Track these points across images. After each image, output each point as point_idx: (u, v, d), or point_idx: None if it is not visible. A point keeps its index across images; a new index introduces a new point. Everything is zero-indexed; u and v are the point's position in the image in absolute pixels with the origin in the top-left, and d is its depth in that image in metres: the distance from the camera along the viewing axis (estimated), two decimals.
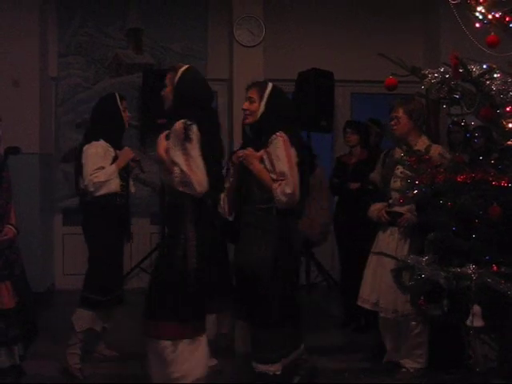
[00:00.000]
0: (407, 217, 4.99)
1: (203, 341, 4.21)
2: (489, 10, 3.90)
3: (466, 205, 3.74)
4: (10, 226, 4.59)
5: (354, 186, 6.40)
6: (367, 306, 5.23)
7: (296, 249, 4.68)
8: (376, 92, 8.08)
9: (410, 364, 5.16)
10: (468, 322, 3.67)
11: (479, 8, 3.92)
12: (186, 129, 4.08)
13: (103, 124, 5.37)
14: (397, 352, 5.26)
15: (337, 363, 5.55)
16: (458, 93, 3.85)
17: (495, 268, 3.62)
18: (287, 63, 8.38)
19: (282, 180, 4.43)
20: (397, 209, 5.05)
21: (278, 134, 4.50)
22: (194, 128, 4.09)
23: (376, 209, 5.21)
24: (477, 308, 3.62)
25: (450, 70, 3.83)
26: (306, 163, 4.80)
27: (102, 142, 5.25)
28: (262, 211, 4.55)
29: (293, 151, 4.51)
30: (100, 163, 5.18)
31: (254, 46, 8.45)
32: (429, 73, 3.94)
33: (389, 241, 5.13)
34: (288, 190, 4.41)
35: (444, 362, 5.16)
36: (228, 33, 8.61)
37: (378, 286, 5.14)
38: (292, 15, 8.69)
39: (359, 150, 6.72)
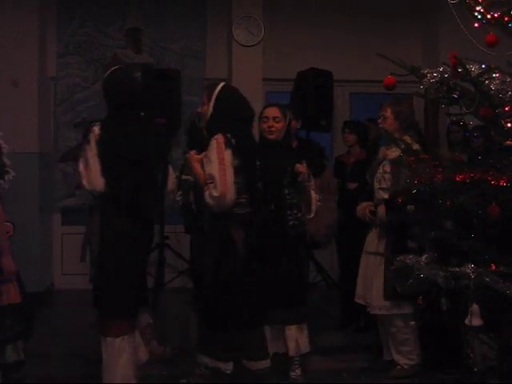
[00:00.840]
0: (379, 216, 5.18)
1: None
2: (487, 10, 3.90)
3: (465, 204, 3.74)
4: (8, 224, 4.47)
5: (352, 185, 6.41)
6: (361, 302, 5.35)
7: (241, 253, 4.45)
8: (375, 92, 8.07)
9: (402, 361, 5.21)
10: (466, 322, 3.68)
11: (478, 8, 3.93)
12: (227, 142, 4.34)
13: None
14: (390, 350, 5.31)
15: (336, 363, 5.56)
16: (457, 92, 3.85)
17: (494, 267, 3.63)
18: (286, 63, 8.37)
19: (210, 183, 4.34)
20: (377, 209, 5.22)
21: (215, 136, 4.42)
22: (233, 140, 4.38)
23: (362, 208, 5.36)
24: (475, 307, 3.62)
25: (449, 69, 3.84)
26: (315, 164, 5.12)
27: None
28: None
29: (228, 154, 4.37)
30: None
31: (253, 45, 8.45)
32: (428, 72, 3.94)
33: (373, 239, 5.28)
34: (215, 193, 4.29)
35: (442, 362, 5.16)
36: (227, 33, 8.61)
37: (366, 282, 5.28)
38: (291, 15, 8.68)
39: (358, 149, 6.73)
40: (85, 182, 4.17)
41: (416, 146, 4.99)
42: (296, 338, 5.01)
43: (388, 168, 5.17)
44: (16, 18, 7.81)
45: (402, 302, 4.98)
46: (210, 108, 4.59)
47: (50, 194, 8.35)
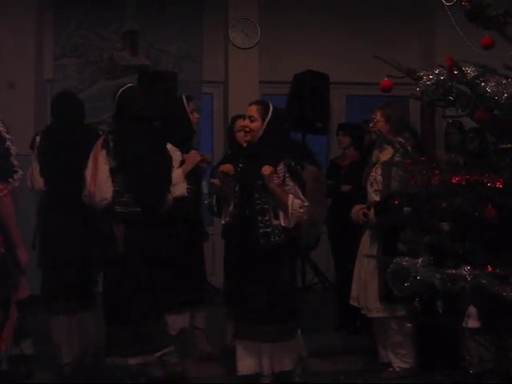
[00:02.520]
0: (370, 220, 5.16)
1: None
2: (483, 12, 3.90)
3: (461, 206, 3.75)
4: None
5: (346, 188, 6.42)
6: (356, 304, 5.32)
7: (121, 249, 4.58)
8: (371, 94, 8.08)
9: (397, 363, 5.19)
10: (463, 324, 3.68)
11: (474, 10, 3.92)
12: (103, 143, 4.58)
13: (169, 127, 5.37)
14: (387, 352, 5.31)
15: (333, 365, 5.56)
16: (453, 94, 3.85)
17: (490, 269, 3.62)
18: (283, 65, 8.38)
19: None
20: (369, 212, 5.20)
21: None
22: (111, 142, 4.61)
23: (355, 210, 5.34)
24: (472, 309, 3.63)
25: (445, 71, 3.83)
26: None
27: (168, 146, 4.96)
28: None
29: (102, 155, 4.57)
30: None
31: (250, 48, 8.47)
32: (424, 75, 3.93)
33: (366, 242, 5.27)
34: (85, 192, 4.58)
35: (439, 364, 5.16)
36: (223, 35, 8.62)
37: (361, 285, 5.27)
38: (287, 17, 8.70)
39: (352, 151, 6.74)
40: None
41: (410, 149, 5.00)
42: (270, 355, 4.71)
43: (379, 171, 5.18)
44: (13, 20, 7.83)
45: (397, 304, 4.96)
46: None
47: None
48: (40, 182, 5.17)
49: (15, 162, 4.00)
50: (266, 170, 4.54)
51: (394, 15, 8.84)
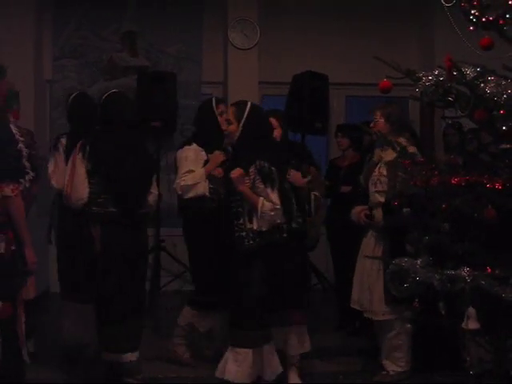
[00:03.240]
0: (377, 221, 5.13)
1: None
2: (482, 13, 3.90)
3: (461, 207, 3.75)
4: None
5: (346, 189, 6.41)
6: (357, 307, 5.30)
7: (99, 249, 4.74)
8: (371, 95, 8.08)
9: (390, 367, 5.17)
10: (463, 325, 3.68)
11: (473, 11, 3.92)
12: (80, 147, 4.75)
13: (197, 128, 5.59)
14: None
15: (332, 366, 5.56)
16: (452, 95, 3.85)
17: (489, 270, 3.63)
18: (282, 66, 8.38)
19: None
20: (375, 211, 5.17)
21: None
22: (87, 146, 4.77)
23: (357, 211, 5.30)
24: (471, 310, 3.62)
25: (444, 72, 3.84)
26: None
27: (194, 146, 5.30)
28: None
29: (78, 158, 4.76)
30: (190, 167, 5.22)
31: (249, 48, 8.47)
32: (423, 75, 3.94)
33: (369, 243, 5.23)
34: (64, 193, 4.84)
35: (439, 365, 5.16)
36: (223, 36, 8.62)
37: (363, 288, 5.23)
38: (287, 18, 8.70)
39: (351, 153, 6.74)
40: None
41: (412, 149, 4.98)
42: (226, 359, 4.63)
43: (384, 171, 5.14)
44: (12, 21, 7.83)
45: (402, 306, 4.93)
46: None
47: (47, 198, 8.32)
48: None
49: (27, 164, 4.14)
50: (234, 173, 4.51)
51: (394, 16, 8.84)
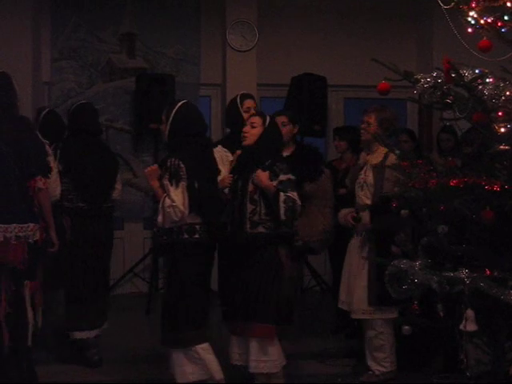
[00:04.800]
0: (363, 223, 5.14)
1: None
2: (481, 15, 3.91)
3: (459, 209, 3.75)
4: None
5: (343, 191, 6.38)
6: (343, 307, 5.32)
7: (69, 237, 5.46)
8: (369, 97, 8.09)
9: (375, 367, 5.17)
10: (461, 326, 3.68)
11: (471, 13, 3.93)
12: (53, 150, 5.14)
13: (228, 127, 5.68)
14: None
15: (330, 368, 5.56)
16: (451, 97, 3.85)
17: (488, 272, 3.63)
18: (280, 68, 8.39)
19: None
20: (362, 214, 5.17)
21: None
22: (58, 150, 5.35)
23: (343, 214, 5.33)
24: (470, 312, 3.62)
25: (442, 74, 3.84)
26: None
27: (218, 148, 5.22)
28: None
29: (53, 160, 5.13)
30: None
31: (247, 50, 8.47)
32: (421, 77, 3.94)
33: (355, 245, 5.26)
34: None
35: (437, 366, 5.17)
36: (221, 37, 8.62)
37: (350, 288, 5.25)
38: (285, 20, 8.70)
39: (349, 155, 6.73)
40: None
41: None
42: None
43: (370, 173, 5.16)
44: (10, 22, 7.81)
45: (385, 306, 4.96)
46: None
47: None
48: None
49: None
50: (149, 168, 4.83)
51: (392, 18, 8.84)
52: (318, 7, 8.75)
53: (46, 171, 4.76)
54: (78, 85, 8.47)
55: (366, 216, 5.13)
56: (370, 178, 5.15)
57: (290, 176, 4.71)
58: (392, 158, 4.99)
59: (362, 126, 5.30)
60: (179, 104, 4.79)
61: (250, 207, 4.69)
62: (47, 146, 4.85)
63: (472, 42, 3.94)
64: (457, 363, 4.65)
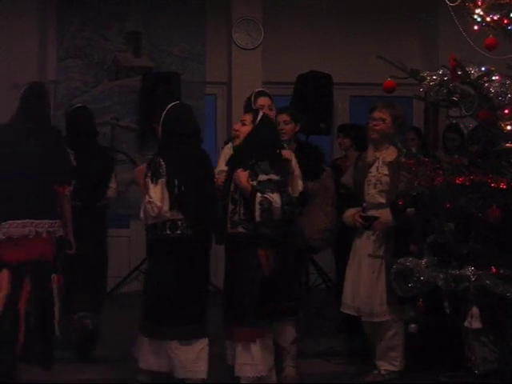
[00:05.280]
0: (383, 221, 4.97)
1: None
2: (487, 13, 3.91)
3: (465, 207, 3.75)
4: None
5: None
6: (350, 312, 5.18)
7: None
8: (375, 95, 8.08)
9: (385, 366, 5.08)
10: (466, 324, 3.68)
11: (477, 10, 3.93)
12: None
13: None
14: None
15: (334, 366, 5.54)
16: (457, 95, 3.85)
17: (494, 270, 3.63)
18: (286, 66, 8.38)
19: None
20: (372, 212, 5.07)
21: None
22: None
23: (350, 214, 5.19)
24: (475, 310, 3.62)
25: (448, 72, 3.84)
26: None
27: (228, 145, 5.32)
28: None
29: None
30: (221, 167, 5.17)
31: (253, 48, 8.46)
32: (427, 75, 3.94)
33: (365, 245, 5.11)
34: None
35: (443, 364, 5.15)
36: (226, 35, 8.62)
37: (357, 290, 5.12)
38: (291, 18, 8.69)
39: (353, 153, 6.70)
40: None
41: (414, 149, 4.98)
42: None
43: (385, 170, 5.04)
44: (16, 22, 7.82)
45: (403, 306, 4.86)
46: None
47: None
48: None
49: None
50: (138, 168, 5.05)
51: (398, 16, 8.83)
52: (324, 5, 8.74)
53: (70, 181, 5.17)
54: (83, 83, 8.48)
55: (384, 214, 4.98)
56: (386, 175, 5.05)
57: (272, 176, 4.58)
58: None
59: (374, 122, 5.15)
60: (170, 105, 4.87)
61: (230, 207, 4.69)
62: (71, 156, 5.26)
63: (478, 40, 3.93)
64: (464, 361, 4.66)
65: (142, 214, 4.68)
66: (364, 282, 5.08)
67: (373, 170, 5.13)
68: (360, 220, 5.09)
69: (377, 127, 5.13)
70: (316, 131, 7.76)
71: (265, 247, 4.65)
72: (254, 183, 4.57)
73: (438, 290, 3.77)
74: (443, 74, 3.89)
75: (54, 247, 5.01)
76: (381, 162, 5.11)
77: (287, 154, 5.01)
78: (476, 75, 3.80)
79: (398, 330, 5.05)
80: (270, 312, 4.69)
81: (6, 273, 4.89)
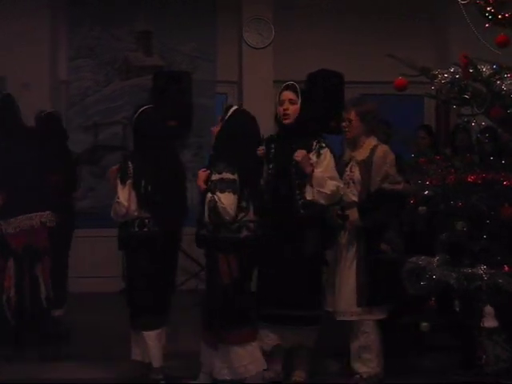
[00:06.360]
0: (350, 219, 4.93)
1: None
2: (498, 10, 3.89)
3: (477, 205, 3.73)
4: None
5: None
6: (329, 309, 5.07)
7: None
8: (386, 93, 8.06)
9: (362, 369, 4.97)
10: (480, 323, 3.67)
11: (489, 8, 3.91)
12: None
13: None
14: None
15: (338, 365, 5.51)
16: (469, 93, 3.84)
17: (506, 268, 3.62)
18: (296, 65, 8.36)
19: None
20: (347, 211, 4.98)
21: None
22: None
23: (334, 212, 5.07)
24: (489, 308, 3.61)
25: (460, 70, 3.82)
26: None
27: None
28: None
29: None
30: None
31: (263, 47, 8.47)
32: (439, 73, 3.93)
33: (341, 243, 5.05)
34: None
35: (455, 363, 5.14)
36: (237, 34, 8.62)
37: (335, 289, 5.04)
38: (301, 17, 8.68)
39: None
40: None
41: (384, 148, 4.96)
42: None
43: (356, 169, 5.00)
44: (27, 22, 7.86)
45: (373, 307, 4.85)
46: None
47: None
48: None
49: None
50: (110, 169, 5.15)
51: (408, 13, 8.80)
52: (334, 4, 8.72)
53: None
54: (95, 83, 8.50)
55: (353, 213, 4.92)
56: (357, 174, 4.98)
57: (225, 175, 4.51)
58: (379, 153, 4.93)
59: (343, 124, 5.15)
60: (141, 109, 5.03)
61: (198, 209, 4.71)
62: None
63: (489, 37, 3.92)
64: (475, 360, 4.65)
65: (112, 213, 4.90)
66: (339, 281, 5.00)
67: (347, 169, 5.09)
68: (336, 218, 5.01)
69: (345, 128, 5.14)
70: (326, 130, 7.74)
71: (224, 252, 4.58)
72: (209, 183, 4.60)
73: (448, 289, 3.76)
74: (455, 72, 3.87)
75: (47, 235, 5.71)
76: (354, 160, 5.07)
77: (300, 154, 4.83)
78: (488, 73, 3.79)
79: (370, 331, 4.93)
80: (245, 317, 4.66)
81: (11, 262, 5.56)
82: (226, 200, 4.45)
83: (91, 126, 8.45)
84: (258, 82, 8.11)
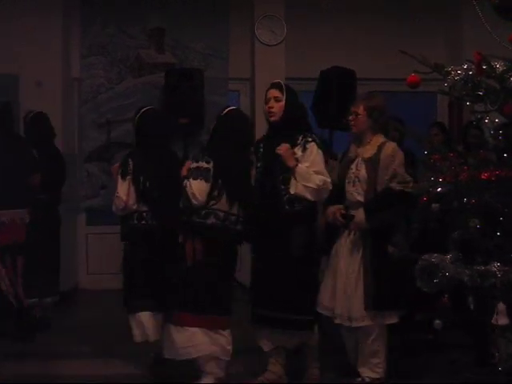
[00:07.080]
0: (356, 221, 4.82)
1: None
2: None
3: (491, 202, 3.72)
4: None
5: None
6: (326, 313, 5.00)
7: None
8: (398, 90, 8.04)
9: (366, 373, 4.92)
10: (493, 320, 3.65)
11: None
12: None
13: None
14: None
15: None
16: (482, 89, 3.81)
17: None
18: (309, 62, 8.36)
19: None
20: (352, 211, 4.89)
21: None
22: None
23: (331, 211, 4.97)
24: (502, 306, 3.60)
25: (473, 66, 3.81)
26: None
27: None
28: None
29: None
30: None
31: (276, 44, 8.47)
32: (452, 70, 3.91)
33: (344, 245, 4.96)
34: None
35: (468, 361, 5.13)
36: (249, 32, 8.62)
37: (334, 292, 4.95)
38: (313, 14, 8.67)
39: None
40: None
41: (392, 145, 4.92)
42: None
43: (363, 168, 4.90)
44: (40, 20, 7.89)
45: (384, 311, 4.80)
46: None
47: (75, 194, 8.40)
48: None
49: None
50: (113, 166, 5.56)
51: (421, 10, 8.77)
52: (346, 1, 8.70)
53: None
54: (107, 80, 8.53)
55: (359, 214, 4.82)
56: (363, 172, 4.88)
57: (200, 164, 4.82)
58: (387, 150, 4.85)
59: (350, 117, 5.02)
60: (144, 110, 5.40)
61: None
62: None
63: (503, 33, 3.89)
64: (489, 358, 4.63)
65: (113, 207, 5.25)
66: (341, 284, 4.91)
67: (353, 166, 4.98)
68: (340, 218, 4.91)
69: (352, 122, 5.03)
70: (339, 127, 7.73)
71: (191, 235, 4.86)
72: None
73: (462, 286, 3.75)
74: (468, 69, 3.85)
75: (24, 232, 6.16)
76: (360, 158, 4.96)
77: (282, 148, 4.86)
78: (501, 69, 3.77)
79: (378, 336, 4.88)
80: (214, 304, 4.84)
81: None
82: (196, 186, 4.77)
83: (104, 124, 8.47)
84: (271, 79, 8.03)
